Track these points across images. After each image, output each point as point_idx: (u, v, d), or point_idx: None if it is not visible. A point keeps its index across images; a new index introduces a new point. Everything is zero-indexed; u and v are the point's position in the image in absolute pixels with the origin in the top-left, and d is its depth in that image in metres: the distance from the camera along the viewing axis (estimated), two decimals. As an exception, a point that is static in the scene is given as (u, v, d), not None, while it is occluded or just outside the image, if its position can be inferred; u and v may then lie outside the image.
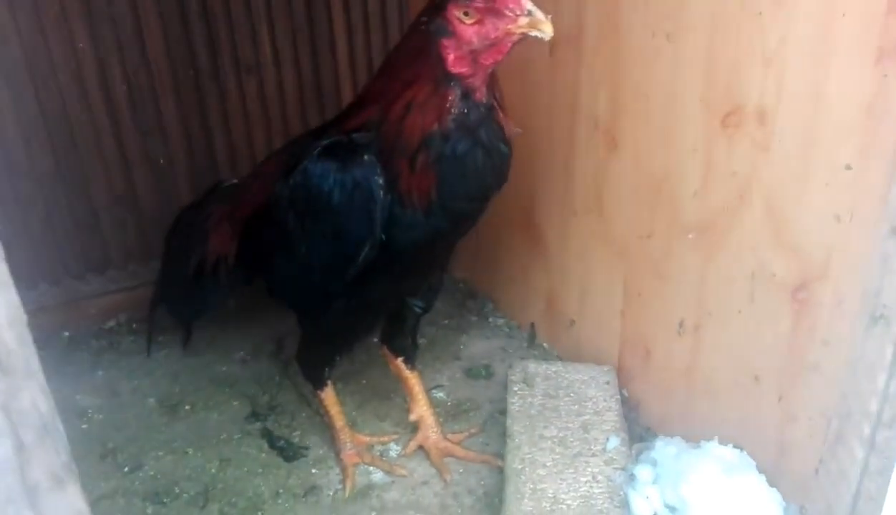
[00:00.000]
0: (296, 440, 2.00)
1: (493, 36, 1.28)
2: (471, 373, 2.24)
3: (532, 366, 2.04)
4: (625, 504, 1.59)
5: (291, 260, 1.62)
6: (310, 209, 1.51)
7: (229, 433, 2.03)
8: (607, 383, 1.95)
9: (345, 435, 1.91)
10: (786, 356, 1.52)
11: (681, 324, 1.77)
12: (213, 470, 1.91)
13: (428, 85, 1.35)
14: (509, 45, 1.30)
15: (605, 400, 1.90)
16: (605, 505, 1.60)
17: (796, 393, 1.52)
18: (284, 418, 2.07)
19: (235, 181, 2.04)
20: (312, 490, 1.85)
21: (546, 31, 1.24)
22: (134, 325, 2.44)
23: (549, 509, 1.60)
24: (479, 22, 1.28)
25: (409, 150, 1.38)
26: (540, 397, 1.93)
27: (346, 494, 1.82)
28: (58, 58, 2.18)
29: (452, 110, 1.35)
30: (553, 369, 2.02)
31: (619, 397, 1.91)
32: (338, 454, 1.91)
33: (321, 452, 1.95)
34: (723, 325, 1.65)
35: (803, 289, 1.45)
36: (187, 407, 2.12)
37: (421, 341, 2.34)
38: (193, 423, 2.06)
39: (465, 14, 1.29)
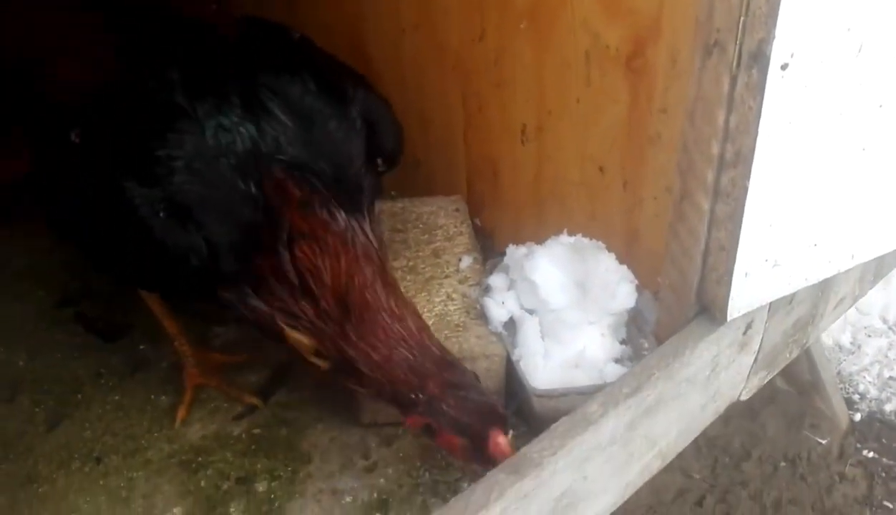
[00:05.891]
0: (117, 320, 1.75)
1: None
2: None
3: (376, 205, 1.88)
4: (482, 315, 1.51)
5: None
6: None
7: (36, 323, 1.75)
8: (457, 210, 1.84)
9: (183, 347, 1.55)
10: (626, 135, 1.46)
11: (523, 131, 1.67)
12: (20, 363, 1.65)
13: None
14: None
15: (455, 227, 1.79)
16: (462, 319, 1.51)
17: (640, 173, 1.47)
18: (100, 301, 1.81)
19: None
20: (142, 364, 1.64)
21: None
22: None
23: (402, 333, 1.48)
24: None
25: None
26: (387, 233, 1.79)
27: (178, 420, 1.50)
28: None
29: None
30: (399, 206, 1.88)
31: (469, 223, 1.81)
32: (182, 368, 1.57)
33: (150, 326, 1.71)
34: (563, 119, 1.57)
35: (638, 56, 1.37)
36: (-18, 305, 1.81)
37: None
38: (-8, 320, 1.77)
39: None
